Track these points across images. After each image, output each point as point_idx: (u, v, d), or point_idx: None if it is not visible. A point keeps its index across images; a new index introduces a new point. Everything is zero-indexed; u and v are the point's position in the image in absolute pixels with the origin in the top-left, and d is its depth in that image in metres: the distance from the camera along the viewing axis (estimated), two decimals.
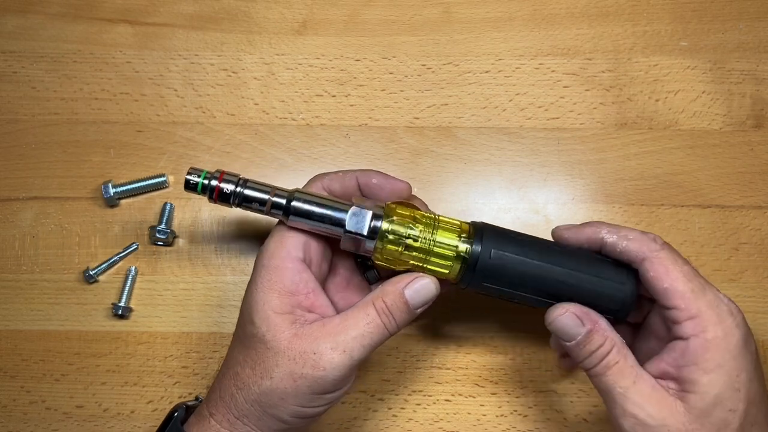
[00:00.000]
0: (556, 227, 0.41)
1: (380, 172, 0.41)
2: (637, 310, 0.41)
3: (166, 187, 0.51)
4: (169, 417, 0.41)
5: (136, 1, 0.54)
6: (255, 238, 0.50)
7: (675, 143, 0.51)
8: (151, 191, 0.51)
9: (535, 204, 0.51)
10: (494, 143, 0.52)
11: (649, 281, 0.37)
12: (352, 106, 0.52)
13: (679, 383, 0.36)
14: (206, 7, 0.54)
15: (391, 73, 0.53)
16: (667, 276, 0.37)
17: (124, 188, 0.50)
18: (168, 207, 0.50)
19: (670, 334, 0.37)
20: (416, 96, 0.52)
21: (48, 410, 0.48)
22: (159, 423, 0.41)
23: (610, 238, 0.39)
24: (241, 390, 0.37)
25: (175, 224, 0.50)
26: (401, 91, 0.52)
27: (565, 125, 0.52)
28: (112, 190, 0.49)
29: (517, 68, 0.53)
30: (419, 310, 0.39)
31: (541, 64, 0.53)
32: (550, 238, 0.42)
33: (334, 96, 0.52)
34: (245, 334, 0.38)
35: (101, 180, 0.50)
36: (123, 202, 0.50)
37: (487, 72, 0.53)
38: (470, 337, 0.49)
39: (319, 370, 0.36)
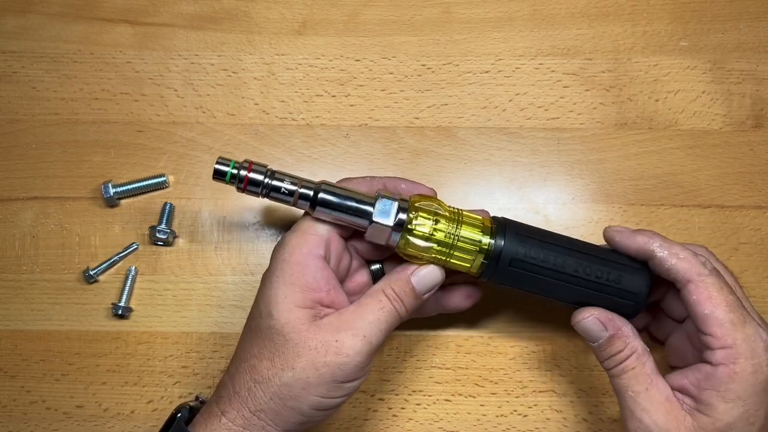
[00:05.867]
0: (607, 227, 0.41)
1: (407, 179, 0.42)
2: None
3: (166, 187, 0.51)
4: (172, 419, 0.41)
5: (136, 1, 0.54)
6: (255, 238, 0.50)
7: (675, 143, 0.51)
8: (151, 191, 0.51)
9: (535, 204, 0.51)
10: (494, 143, 0.52)
11: (691, 304, 0.37)
12: (352, 106, 0.52)
13: (696, 402, 0.37)
14: (206, 7, 0.54)
15: (391, 73, 0.53)
16: (709, 302, 0.37)
17: (124, 188, 0.50)
18: (168, 207, 0.50)
19: (700, 355, 0.38)
20: (416, 96, 0.52)
21: (48, 410, 0.48)
22: (159, 423, 0.41)
23: (660, 252, 0.38)
24: (259, 383, 0.37)
25: (175, 224, 0.50)
26: (401, 91, 0.52)
27: (565, 125, 0.52)
28: (112, 190, 0.49)
29: (517, 68, 0.53)
30: (426, 296, 0.40)
31: (541, 64, 0.53)
32: None
33: (334, 96, 0.52)
34: (261, 327, 0.38)
35: (101, 180, 0.50)
36: (123, 202, 0.50)
37: (487, 72, 0.53)
38: (470, 337, 0.49)
39: (342, 357, 0.36)
